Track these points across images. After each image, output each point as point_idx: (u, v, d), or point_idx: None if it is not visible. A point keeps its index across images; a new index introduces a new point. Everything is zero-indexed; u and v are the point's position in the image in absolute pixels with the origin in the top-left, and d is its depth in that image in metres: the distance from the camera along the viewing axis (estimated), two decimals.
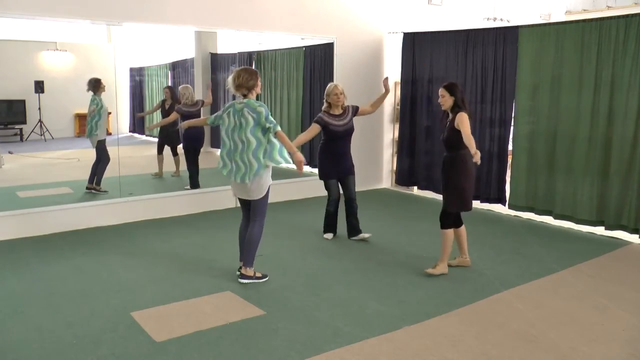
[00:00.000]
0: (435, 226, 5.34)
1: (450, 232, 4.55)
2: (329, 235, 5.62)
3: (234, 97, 4.34)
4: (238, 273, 4.39)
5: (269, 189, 4.29)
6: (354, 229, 5.54)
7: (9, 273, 4.50)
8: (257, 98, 4.34)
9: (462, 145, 4.26)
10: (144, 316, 3.69)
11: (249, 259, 4.33)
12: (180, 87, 7.38)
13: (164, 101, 7.58)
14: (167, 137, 7.51)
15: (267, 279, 4.38)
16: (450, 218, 4.54)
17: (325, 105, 5.34)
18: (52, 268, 4.63)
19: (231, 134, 4.19)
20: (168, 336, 3.40)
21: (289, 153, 4.21)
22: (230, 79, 4.21)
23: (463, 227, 4.66)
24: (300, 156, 4.20)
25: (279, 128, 4.17)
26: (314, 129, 5.29)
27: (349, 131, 5.39)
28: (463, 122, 4.27)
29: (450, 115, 4.45)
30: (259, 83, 4.26)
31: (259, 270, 4.42)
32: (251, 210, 4.35)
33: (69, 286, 4.24)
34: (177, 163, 7.56)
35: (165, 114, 7.49)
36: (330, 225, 5.62)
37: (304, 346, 3.30)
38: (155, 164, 7.55)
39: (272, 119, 4.18)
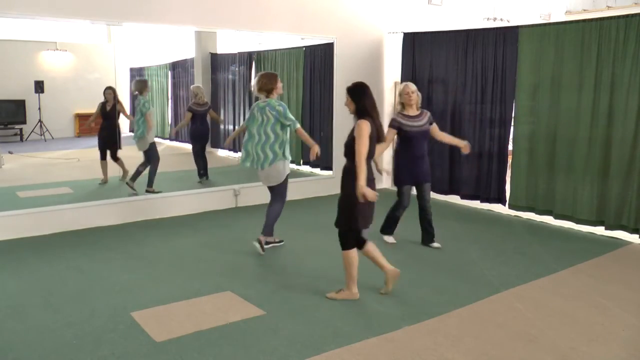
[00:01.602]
0: (435, 226, 5.35)
1: (352, 252, 3.95)
2: (391, 239, 5.42)
3: (256, 99, 5.06)
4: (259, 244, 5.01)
5: (287, 177, 5.03)
6: (429, 235, 5.31)
7: (9, 273, 4.50)
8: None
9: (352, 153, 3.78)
10: (144, 316, 3.69)
11: (267, 230, 5.04)
12: (192, 87, 7.59)
13: (104, 103, 6.81)
14: (108, 141, 6.85)
15: (282, 243, 5.26)
16: (350, 237, 3.95)
17: (399, 107, 5.19)
18: (52, 268, 4.63)
19: (258, 129, 4.92)
20: (168, 336, 3.40)
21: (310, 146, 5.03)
22: (253, 82, 5.03)
23: (370, 244, 4.06)
24: (317, 148, 5.00)
25: (298, 125, 4.94)
26: (390, 133, 5.05)
27: (424, 133, 5.10)
28: (360, 131, 3.72)
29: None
30: (279, 85, 4.96)
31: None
32: (273, 192, 5.09)
33: (69, 286, 4.24)
34: (121, 166, 6.87)
35: (107, 116, 6.84)
36: (392, 227, 5.41)
37: (304, 346, 3.30)
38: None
39: (291, 116, 4.92)
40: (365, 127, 3.74)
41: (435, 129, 5.21)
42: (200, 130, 7.44)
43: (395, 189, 5.29)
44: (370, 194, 3.68)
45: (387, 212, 5.36)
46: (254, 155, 4.94)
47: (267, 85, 4.89)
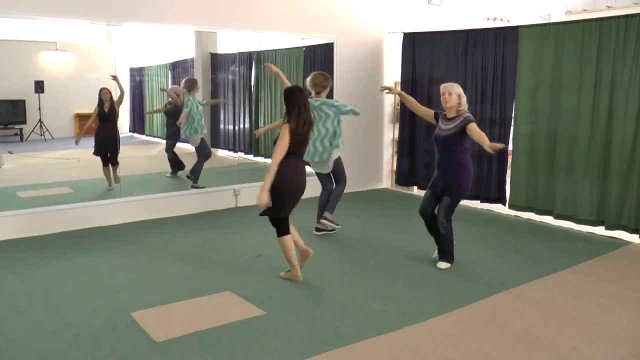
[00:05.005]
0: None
1: (286, 239, 4.27)
2: (436, 257, 4.87)
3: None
4: (315, 231, 5.70)
5: (339, 158, 5.59)
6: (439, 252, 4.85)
7: (9, 273, 4.50)
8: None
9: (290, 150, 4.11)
10: (144, 316, 3.69)
11: (332, 208, 5.67)
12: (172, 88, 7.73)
13: (101, 105, 6.62)
14: (106, 144, 6.70)
15: (339, 227, 5.70)
16: (284, 224, 4.27)
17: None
18: (52, 268, 4.63)
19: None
20: (168, 336, 3.40)
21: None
22: (309, 79, 5.51)
23: (292, 226, 4.38)
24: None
25: (358, 110, 5.55)
26: (429, 111, 4.77)
27: (444, 139, 4.53)
28: (281, 139, 4.06)
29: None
30: (330, 85, 5.50)
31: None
32: (334, 177, 5.69)
33: (69, 286, 4.24)
34: (114, 172, 6.68)
35: (104, 118, 6.64)
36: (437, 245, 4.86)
37: (304, 346, 3.30)
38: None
39: (346, 105, 5.53)
40: (285, 134, 4.07)
41: (471, 129, 4.37)
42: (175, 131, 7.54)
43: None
44: (264, 202, 4.01)
45: None
46: (313, 149, 5.42)
47: (324, 82, 5.45)
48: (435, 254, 4.92)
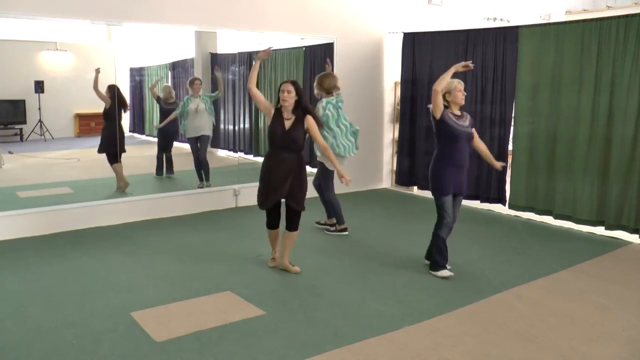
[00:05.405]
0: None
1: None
2: (447, 272, 4.49)
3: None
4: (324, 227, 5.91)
5: None
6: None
7: (9, 273, 4.50)
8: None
9: (303, 146, 4.46)
10: (144, 316, 3.69)
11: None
12: (164, 86, 7.76)
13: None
14: (107, 142, 6.65)
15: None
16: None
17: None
18: (52, 268, 4.63)
19: (337, 122, 5.58)
20: (168, 336, 3.40)
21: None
22: (327, 80, 5.61)
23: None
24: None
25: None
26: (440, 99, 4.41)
27: (468, 136, 4.48)
28: (317, 130, 4.41)
29: (288, 115, 4.35)
30: None
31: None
32: None
33: (69, 286, 4.24)
34: (117, 174, 6.62)
35: (106, 116, 6.61)
36: (447, 257, 4.54)
37: (304, 346, 3.30)
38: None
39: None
40: (315, 124, 4.41)
41: (475, 133, 4.62)
42: (170, 129, 7.53)
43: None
44: (349, 177, 4.39)
45: (432, 238, 4.57)
46: (343, 145, 5.59)
47: (338, 82, 5.71)
48: (448, 270, 4.53)
